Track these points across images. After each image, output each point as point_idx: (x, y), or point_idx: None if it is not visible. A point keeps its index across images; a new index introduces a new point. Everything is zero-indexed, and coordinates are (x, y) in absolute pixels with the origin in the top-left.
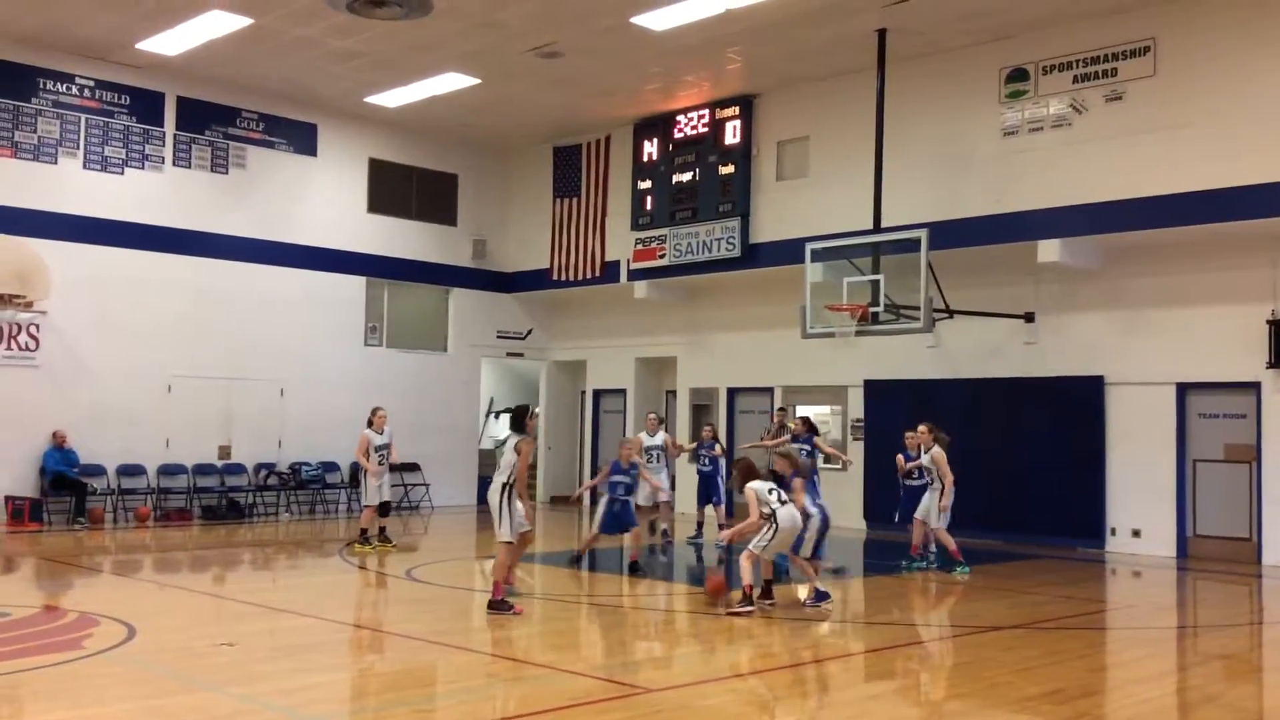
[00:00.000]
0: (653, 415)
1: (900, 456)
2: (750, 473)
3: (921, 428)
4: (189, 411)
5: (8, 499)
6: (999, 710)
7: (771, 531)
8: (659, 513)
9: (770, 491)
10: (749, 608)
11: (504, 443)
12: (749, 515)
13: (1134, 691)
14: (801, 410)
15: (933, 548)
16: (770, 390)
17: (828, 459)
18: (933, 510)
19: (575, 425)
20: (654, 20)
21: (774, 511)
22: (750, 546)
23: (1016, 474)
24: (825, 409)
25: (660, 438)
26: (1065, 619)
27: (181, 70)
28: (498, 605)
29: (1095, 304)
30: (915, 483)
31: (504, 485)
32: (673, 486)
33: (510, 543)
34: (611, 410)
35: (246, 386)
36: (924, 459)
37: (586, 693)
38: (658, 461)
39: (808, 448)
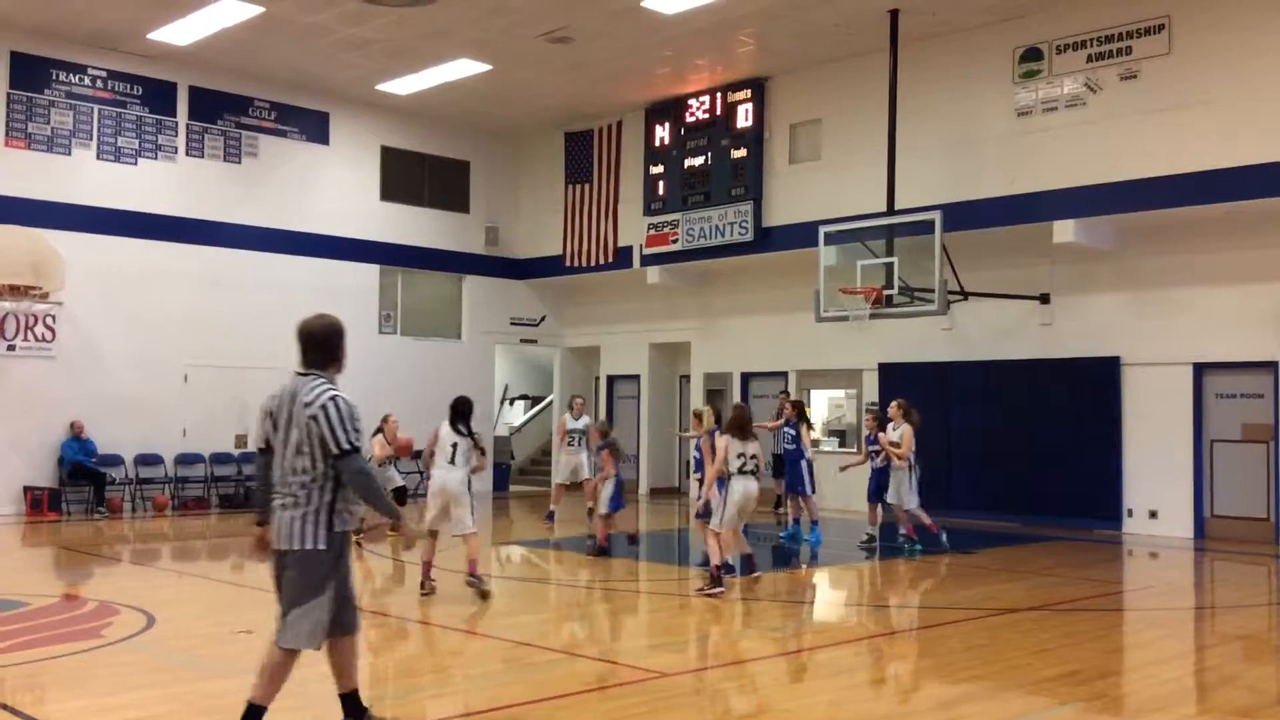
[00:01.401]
0: (579, 399)
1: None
2: (738, 424)
3: (893, 405)
4: (205, 401)
5: (26, 489)
6: (1016, 691)
7: (721, 502)
8: (582, 490)
9: (739, 456)
10: (719, 589)
11: (463, 434)
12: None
13: (1152, 672)
14: (817, 395)
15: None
16: (784, 374)
17: (815, 444)
18: (902, 490)
19: (590, 411)
20: (664, 3)
21: (730, 476)
22: (712, 525)
23: (1033, 456)
24: (840, 393)
25: (584, 421)
26: (1082, 600)
27: (193, 60)
28: (477, 580)
29: (1111, 284)
30: (880, 464)
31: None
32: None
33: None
34: (626, 396)
35: (262, 375)
36: (893, 435)
37: (600, 678)
38: (578, 444)
39: (792, 432)
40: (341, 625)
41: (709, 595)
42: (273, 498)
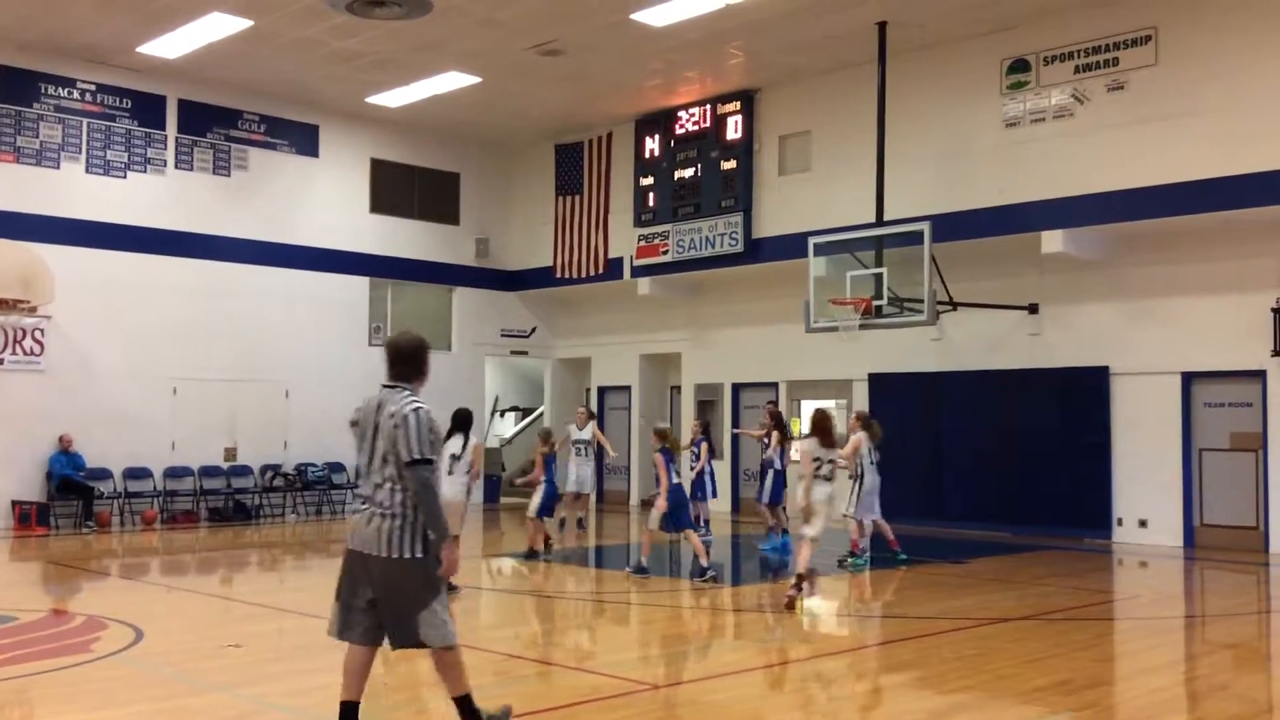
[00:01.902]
0: (582, 410)
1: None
2: (820, 430)
3: (853, 417)
4: (194, 414)
5: (15, 503)
6: (1007, 701)
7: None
8: (579, 504)
9: (815, 460)
10: (800, 590)
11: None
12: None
13: (1142, 681)
14: (808, 405)
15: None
16: (775, 385)
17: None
18: (852, 497)
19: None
20: (654, 16)
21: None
22: (805, 533)
23: (1022, 465)
24: (830, 403)
25: (589, 431)
26: (1072, 610)
27: (182, 73)
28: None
29: (1099, 294)
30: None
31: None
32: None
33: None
34: (617, 407)
35: (251, 388)
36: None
37: (594, 689)
38: (585, 455)
39: (767, 441)
40: (372, 635)
41: (797, 597)
42: (361, 503)
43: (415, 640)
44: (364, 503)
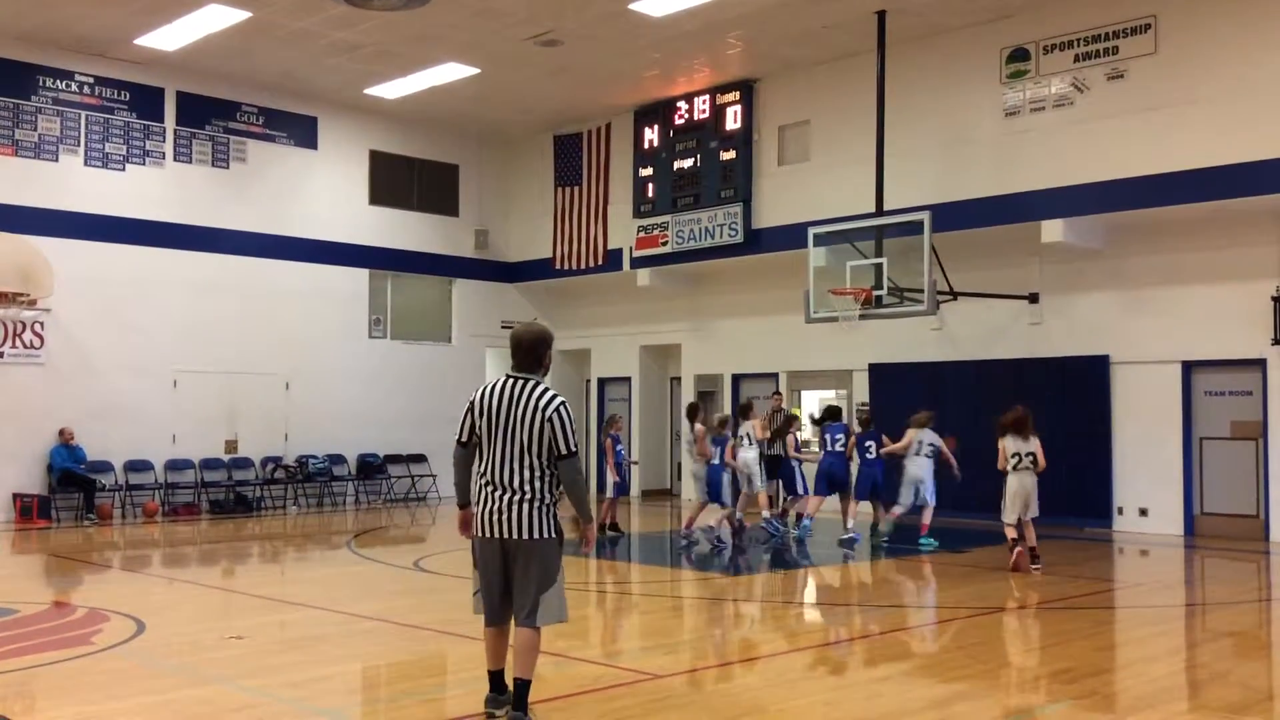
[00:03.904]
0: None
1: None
2: (1015, 424)
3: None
4: (195, 406)
5: (16, 496)
6: (1007, 690)
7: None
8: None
9: (1015, 455)
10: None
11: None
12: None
13: (1143, 670)
14: (808, 395)
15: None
16: (775, 376)
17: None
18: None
19: (581, 414)
20: (652, 6)
21: (1008, 472)
22: (1004, 519)
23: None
24: (830, 394)
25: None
26: (1073, 598)
27: (181, 65)
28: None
29: (1099, 283)
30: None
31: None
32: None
33: None
34: (617, 398)
35: (252, 380)
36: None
37: (595, 679)
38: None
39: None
40: (506, 615)
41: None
42: (484, 487)
43: (536, 616)
44: (492, 487)
